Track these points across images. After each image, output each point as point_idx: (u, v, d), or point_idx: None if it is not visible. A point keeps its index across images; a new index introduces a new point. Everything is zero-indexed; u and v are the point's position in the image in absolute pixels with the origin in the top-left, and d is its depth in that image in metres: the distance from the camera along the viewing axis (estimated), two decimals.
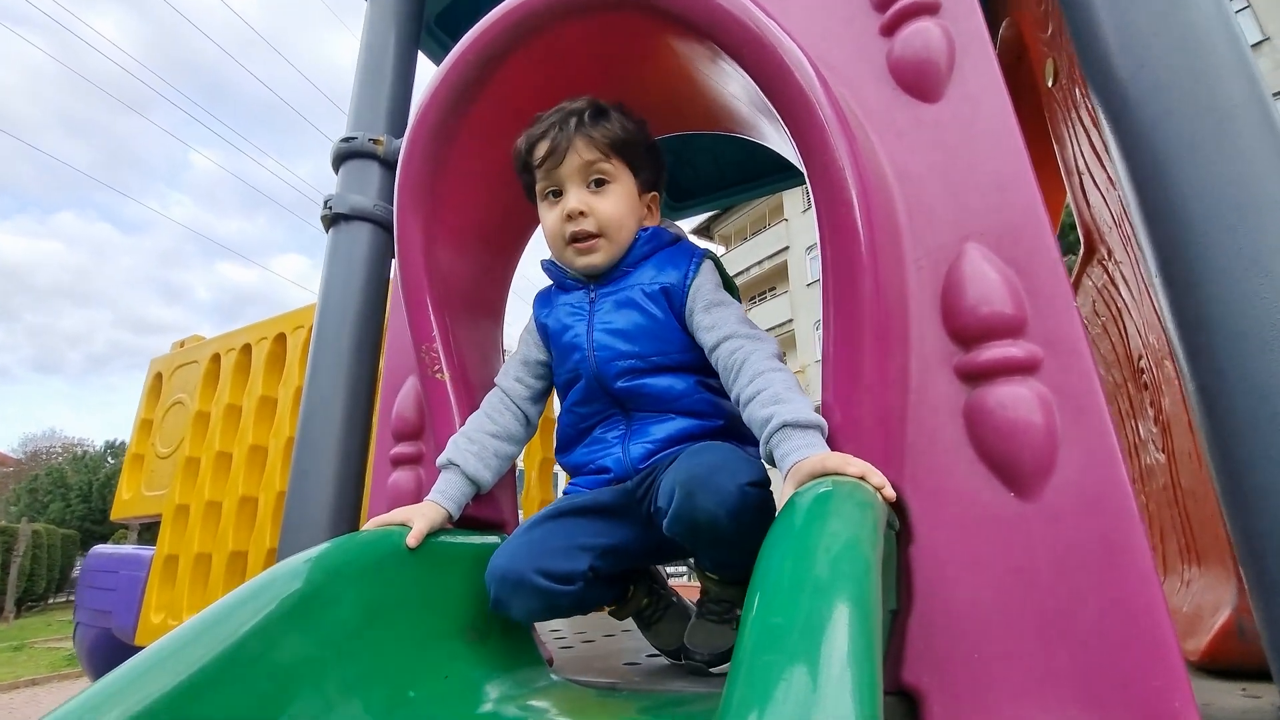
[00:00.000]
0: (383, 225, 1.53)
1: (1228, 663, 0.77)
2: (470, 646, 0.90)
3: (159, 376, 2.55)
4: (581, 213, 1.01)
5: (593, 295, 1.05)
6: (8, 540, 19.65)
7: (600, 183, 1.02)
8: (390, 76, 1.67)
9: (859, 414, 0.79)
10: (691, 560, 1.09)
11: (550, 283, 1.13)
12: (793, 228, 23.53)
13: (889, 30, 0.97)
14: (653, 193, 1.10)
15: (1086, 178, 1.14)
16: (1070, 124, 1.17)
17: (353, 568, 0.80)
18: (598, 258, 1.03)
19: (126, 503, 2.41)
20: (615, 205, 1.02)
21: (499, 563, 0.91)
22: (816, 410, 0.81)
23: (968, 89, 0.91)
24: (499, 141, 1.15)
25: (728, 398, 1.01)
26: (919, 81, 0.93)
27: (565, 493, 1.07)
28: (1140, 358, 1.09)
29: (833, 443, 0.78)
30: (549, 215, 1.05)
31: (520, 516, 1.15)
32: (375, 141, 1.56)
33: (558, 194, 1.04)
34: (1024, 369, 0.77)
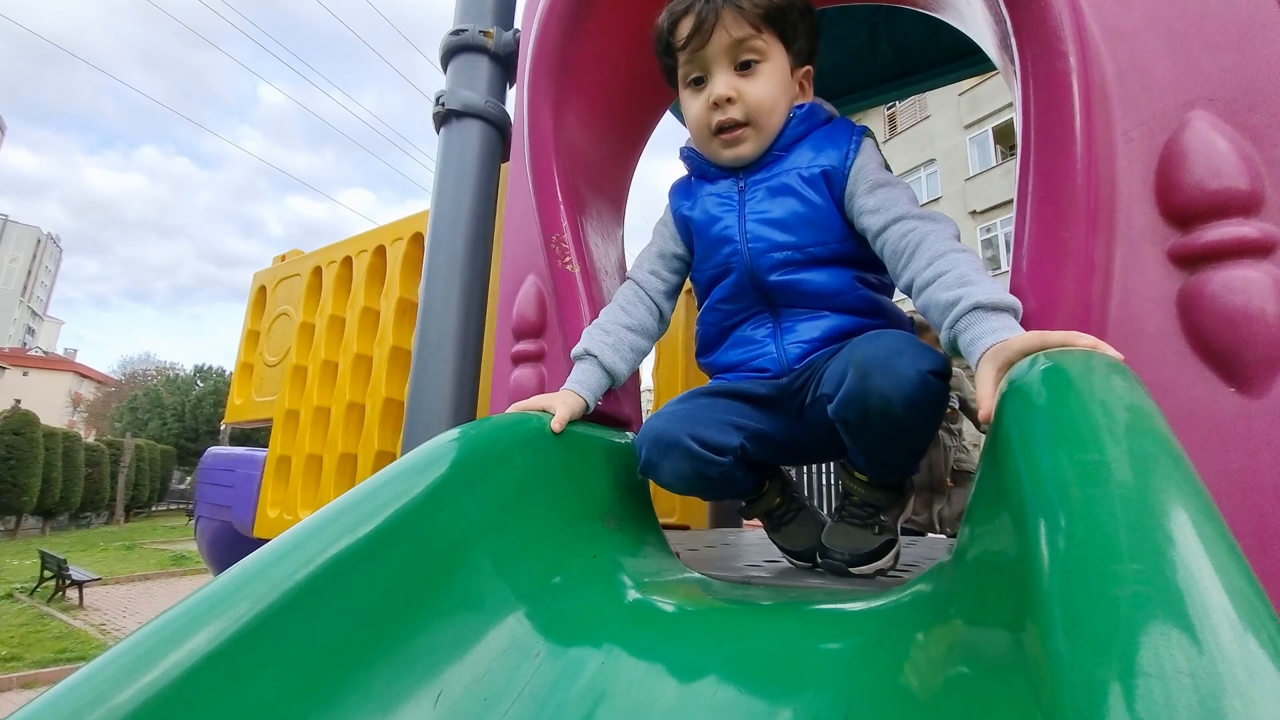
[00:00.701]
0: (493, 123, 1.50)
1: None
2: (610, 533, 0.91)
3: (262, 289, 2.65)
4: (730, 99, 0.93)
5: (742, 184, 0.98)
6: (115, 453, 21.71)
7: (750, 64, 0.94)
8: None
9: (1056, 299, 0.72)
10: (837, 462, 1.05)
11: (687, 172, 1.07)
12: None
13: None
14: (806, 67, 1.01)
15: None
16: None
17: (508, 443, 0.80)
18: (746, 148, 0.96)
19: (239, 408, 2.56)
20: (767, 89, 0.94)
21: (655, 425, 0.91)
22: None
23: None
24: (631, 17, 1.08)
25: (887, 294, 0.95)
26: None
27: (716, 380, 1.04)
28: None
29: (1026, 329, 0.71)
30: (693, 104, 0.97)
31: (644, 417, 1.14)
32: (485, 34, 1.50)
33: (701, 81, 0.96)
34: (1257, 251, 0.68)
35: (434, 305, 1.40)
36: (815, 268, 0.93)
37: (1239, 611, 0.27)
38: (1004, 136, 18.28)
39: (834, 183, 0.93)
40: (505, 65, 1.55)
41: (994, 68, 1.11)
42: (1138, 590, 0.28)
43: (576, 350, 0.99)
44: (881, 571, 0.93)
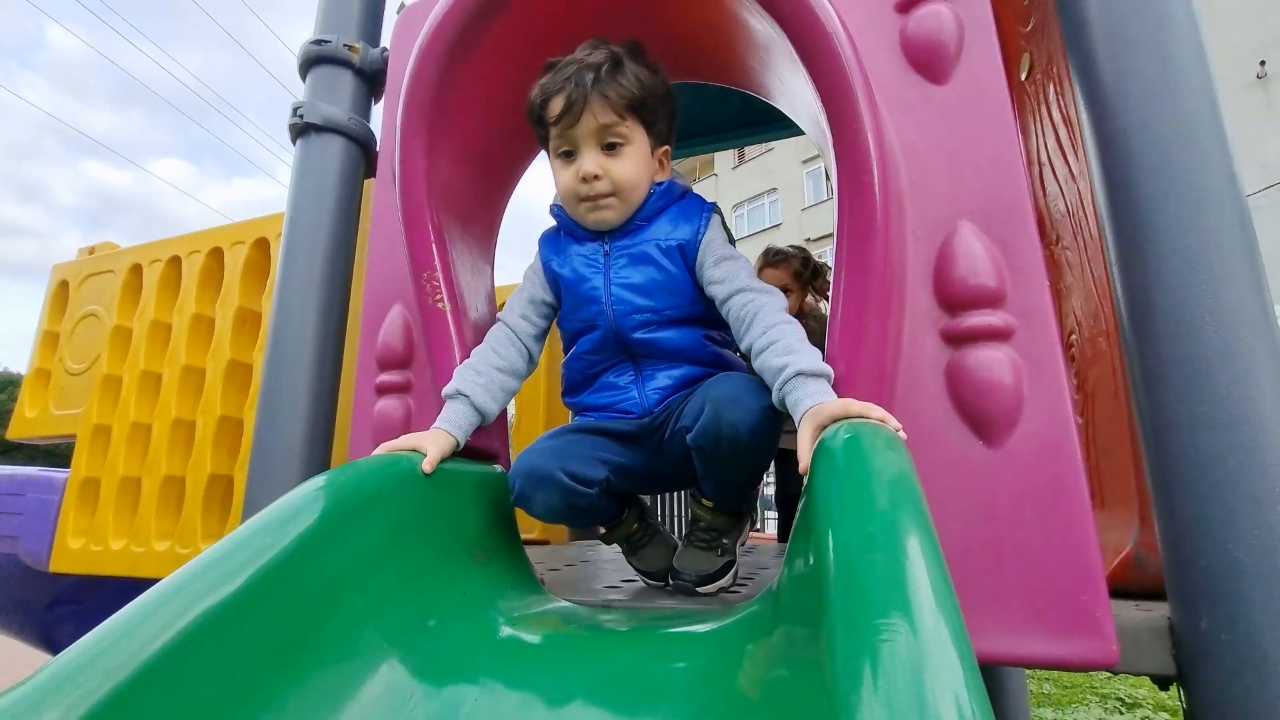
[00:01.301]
0: (357, 140, 1.46)
1: (1126, 587, 0.95)
2: (479, 567, 0.95)
3: (64, 285, 2.30)
4: (596, 176, 1.02)
5: (607, 248, 1.08)
6: None
7: (614, 145, 1.03)
8: None
9: (860, 366, 0.88)
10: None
11: (556, 224, 1.14)
12: (722, 183, 23.64)
13: (904, 8, 1.03)
14: (665, 146, 1.11)
15: (1047, 169, 1.27)
16: (1039, 118, 1.28)
17: (379, 487, 0.82)
18: (610, 214, 1.06)
19: (31, 421, 2.20)
20: (630, 167, 1.04)
21: (528, 461, 1.00)
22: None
23: (973, 74, 0.98)
24: (511, 64, 1.12)
25: (729, 348, 1.09)
26: (930, 62, 1.00)
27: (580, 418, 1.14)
28: (1072, 333, 1.25)
29: (836, 390, 0.87)
30: (563, 173, 1.06)
31: (511, 452, 1.19)
32: (350, 49, 1.46)
33: (570, 154, 1.05)
34: (1000, 336, 0.88)
35: (288, 326, 1.34)
36: (671, 327, 1.06)
37: (939, 627, 0.40)
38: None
39: (687, 254, 1.06)
40: (371, 82, 1.52)
41: None
42: (884, 619, 0.41)
43: (448, 389, 1.02)
44: (724, 589, 1.06)
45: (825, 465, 0.65)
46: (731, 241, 1.10)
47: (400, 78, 1.36)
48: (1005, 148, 0.94)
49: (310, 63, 1.46)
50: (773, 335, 0.92)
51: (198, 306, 1.99)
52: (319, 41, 1.45)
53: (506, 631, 0.84)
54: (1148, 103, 0.88)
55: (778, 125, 2.76)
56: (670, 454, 1.03)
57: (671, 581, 1.09)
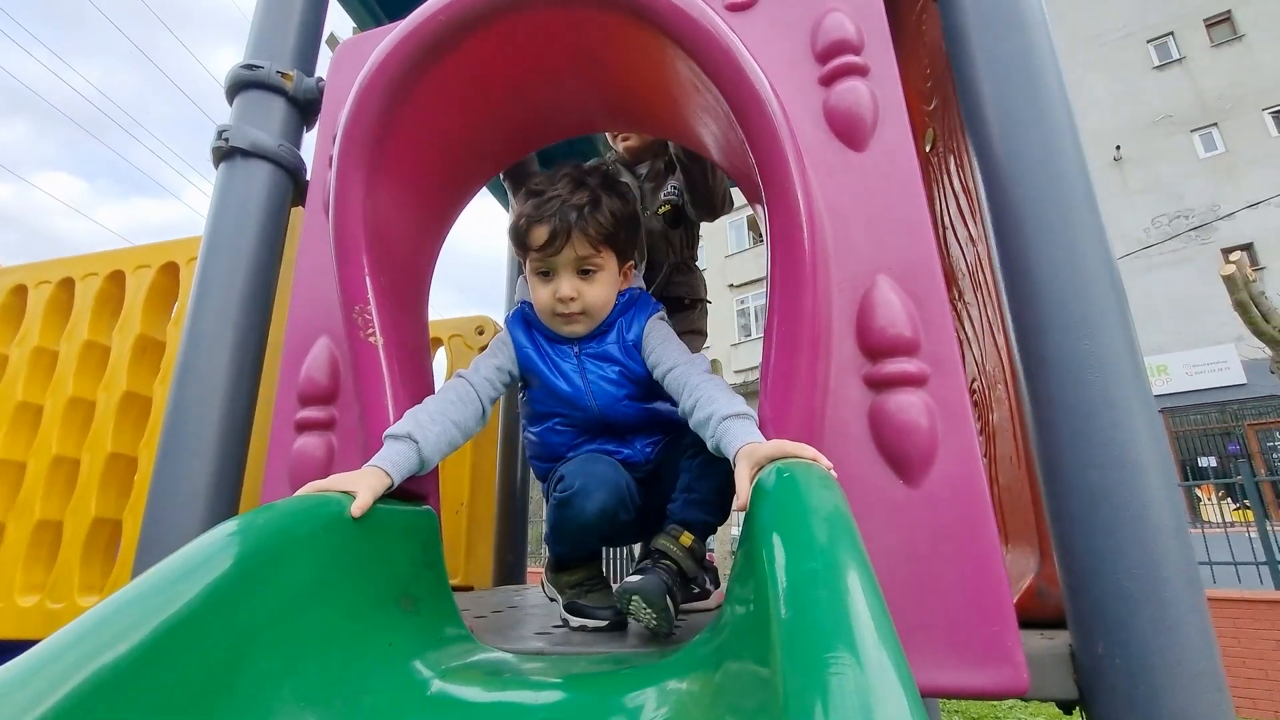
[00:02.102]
0: (285, 167, 1.41)
1: (1029, 616, 1.02)
2: (406, 616, 0.91)
3: None
4: (572, 298, 1.14)
5: (577, 350, 1.21)
6: None
7: (589, 272, 1.16)
8: (300, 5, 1.53)
9: (790, 409, 0.92)
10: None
11: (526, 318, 1.24)
12: None
13: (826, 81, 1.12)
14: (630, 262, 1.26)
15: (949, 231, 1.39)
16: (941, 186, 1.41)
17: (301, 532, 0.77)
18: (580, 328, 1.18)
19: None
20: (602, 290, 1.17)
21: (587, 466, 1.08)
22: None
23: (887, 144, 1.08)
24: (455, 103, 1.14)
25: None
26: (849, 131, 1.08)
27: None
28: (974, 380, 1.36)
29: (769, 432, 0.91)
30: (540, 289, 1.17)
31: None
32: (284, 76, 1.43)
33: (548, 274, 1.17)
34: (916, 382, 0.95)
35: (199, 357, 1.26)
36: (640, 402, 1.20)
37: (883, 659, 0.42)
38: (753, 224, 21.55)
39: (640, 346, 1.20)
40: (303, 110, 1.49)
41: None
42: (832, 653, 0.42)
43: (396, 430, 0.99)
44: (673, 626, 1.04)
45: (764, 504, 0.67)
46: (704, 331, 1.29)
47: (336, 108, 1.35)
48: (917, 211, 1.03)
49: (239, 86, 1.42)
50: (698, 394, 1.02)
51: (91, 333, 1.83)
52: (250, 66, 1.41)
53: (437, 686, 0.80)
54: (1034, 179, 0.99)
55: None
56: (659, 493, 1.16)
57: (632, 620, 1.04)
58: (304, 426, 1.17)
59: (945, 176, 1.39)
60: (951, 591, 0.86)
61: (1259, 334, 6.40)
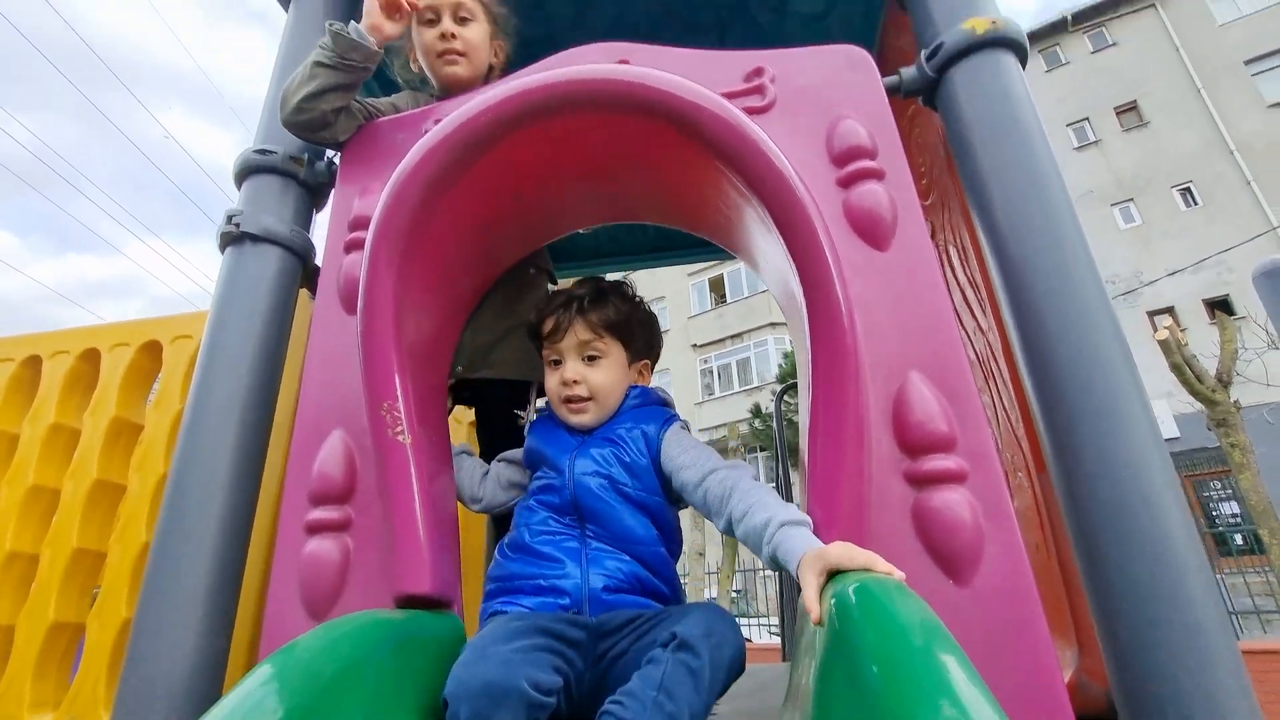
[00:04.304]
0: (294, 251, 1.39)
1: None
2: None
3: None
4: (575, 381, 1.17)
5: (583, 439, 1.18)
6: None
7: (593, 357, 1.19)
8: None
9: (838, 507, 0.92)
10: None
11: (545, 414, 1.27)
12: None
13: (845, 183, 1.17)
14: (644, 360, 1.27)
15: (957, 320, 1.45)
16: (945, 278, 1.48)
17: (355, 659, 0.72)
18: (588, 417, 1.18)
19: None
20: (606, 376, 1.19)
21: (478, 672, 0.80)
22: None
23: (908, 243, 1.13)
24: (486, 197, 1.14)
25: (674, 563, 1.12)
26: (872, 231, 1.13)
27: (497, 610, 1.03)
28: None
29: (819, 530, 0.90)
30: (551, 377, 1.22)
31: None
32: (296, 161, 1.42)
33: (558, 362, 1.21)
34: (956, 479, 0.96)
35: (200, 451, 1.18)
36: (625, 503, 1.09)
37: None
38: (715, 286, 22.37)
39: (650, 442, 1.15)
40: (314, 193, 1.47)
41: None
42: None
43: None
44: None
45: (853, 620, 0.66)
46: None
47: (351, 194, 1.34)
48: (942, 307, 1.08)
49: (250, 171, 1.40)
50: (750, 500, 0.98)
51: (58, 415, 1.71)
52: (263, 151, 1.39)
53: None
54: (1051, 282, 1.05)
55: (687, 252, 3.00)
56: (609, 677, 0.93)
57: None
58: (316, 528, 1.10)
59: (948, 268, 1.46)
60: (1010, 693, 0.85)
61: (1194, 394, 6.81)
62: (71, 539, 1.55)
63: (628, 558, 1.05)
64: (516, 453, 1.28)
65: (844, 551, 0.80)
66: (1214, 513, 14.15)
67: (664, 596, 1.06)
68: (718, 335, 21.55)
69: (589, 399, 1.17)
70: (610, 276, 1.34)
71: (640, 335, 1.25)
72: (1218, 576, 6.58)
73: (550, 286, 1.62)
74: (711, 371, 21.33)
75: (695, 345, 21.86)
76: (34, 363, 1.81)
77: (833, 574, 0.79)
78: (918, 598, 0.68)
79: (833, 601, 0.72)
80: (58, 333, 1.84)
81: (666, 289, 22.79)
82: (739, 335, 21.06)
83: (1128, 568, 0.89)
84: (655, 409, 1.21)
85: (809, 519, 0.92)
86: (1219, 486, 13.95)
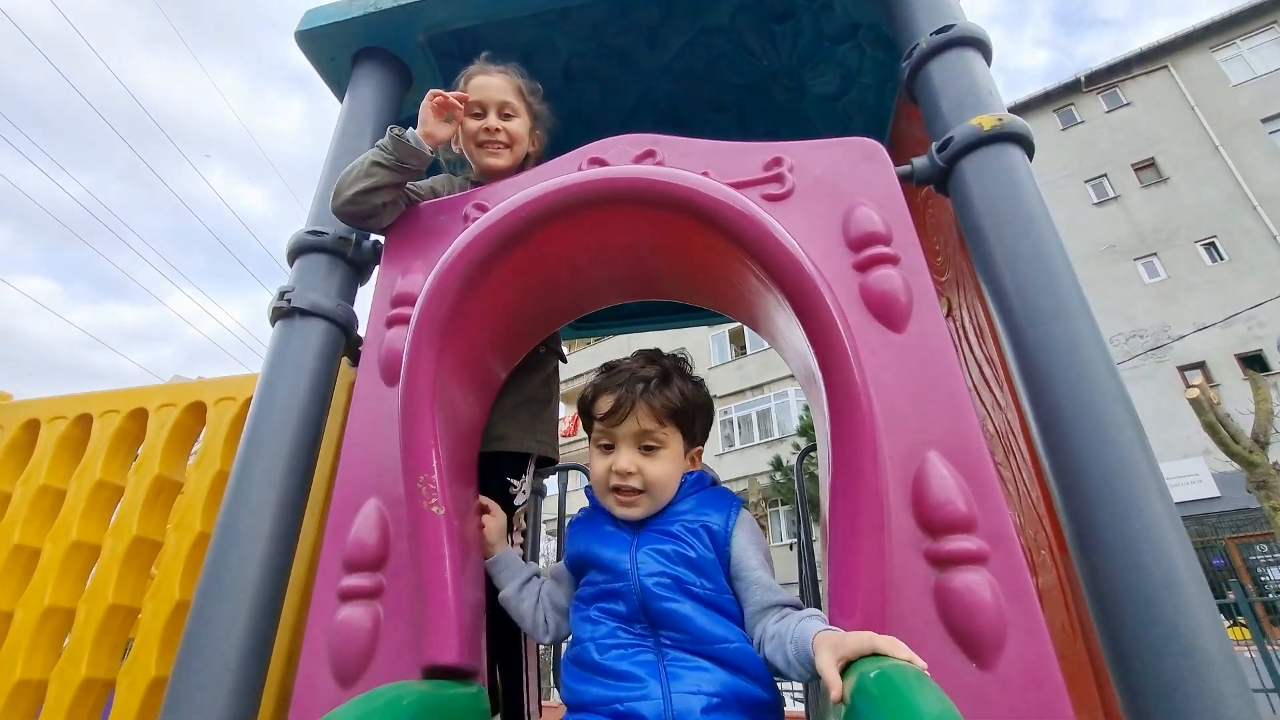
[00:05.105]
0: (339, 324, 1.47)
1: None
2: None
3: None
4: (630, 473, 1.10)
5: (636, 531, 1.12)
6: None
7: (651, 448, 1.12)
8: None
9: (859, 589, 0.94)
10: None
11: (588, 505, 1.20)
12: (636, 339, 24.87)
13: (861, 268, 1.23)
14: (699, 446, 1.21)
15: (974, 395, 1.48)
16: (961, 353, 1.52)
17: None
18: (637, 511, 1.11)
19: None
20: (664, 468, 1.12)
21: None
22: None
23: (923, 325, 1.17)
24: (520, 283, 1.21)
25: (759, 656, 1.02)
26: (888, 313, 1.18)
27: None
28: None
29: (836, 610, 0.92)
30: (599, 462, 1.14)
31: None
32: (344, 241, 1.52)
33: (610, 447, 1.14)
34: (977, 559, 0.98)
35: (241, 516, 1.24)
36: (696, 604, 1.01)
37: None
38: (735, 338, 22.66)
39: (716, 539, 1.07)
40: (359, 269, 1.57)
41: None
42: None
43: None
44: None
45: (875, 706, 0.67)
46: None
47: (395, 272, 1.43)
48: (957, 387, 1.11)
49: (302, 250, 1.50)
50: (788, 618, 0.97)
51: (104, 472, 1.79)
52: (315, 233, 1.50)
53: None
54: (1066, 369, 1.08)
55: (696, 316, 3.07)
56: None
57: None
58: (348, 595, 1.13)
59: (964, 343, 1.49)
60: None
61: (1230, 454, 6.63)
62: (108, 595, 1.59)
63: (710, 664, 0.97)
64: (558, 567, 1.21)
65: (869, 639, 0.81)
66: (1262, 577, 13.48)
67: (765, 705, 0.97)
68: (738, 386, 21.58)
69: (641, 492, 1.10)
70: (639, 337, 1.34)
71: (699, 422, 1.19)
72: (1270, 649, 6.24)
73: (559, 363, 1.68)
74: (732, 423, 21.24)
75: (716, 396, 21.85)
76: (84, 421, 1.90)
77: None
78: (938, 688, 0.69)
79: (854, 684, 0.73)
80: (108, 392, 1.94)
81: (687, 340, 23.01)
82: (759, 386, 21.05)
83: (1153, 659, 0.89)
84: (714, 495, 1.15)
85: (823, 615, 0.94)
86: (1265, 550, 13.33)
